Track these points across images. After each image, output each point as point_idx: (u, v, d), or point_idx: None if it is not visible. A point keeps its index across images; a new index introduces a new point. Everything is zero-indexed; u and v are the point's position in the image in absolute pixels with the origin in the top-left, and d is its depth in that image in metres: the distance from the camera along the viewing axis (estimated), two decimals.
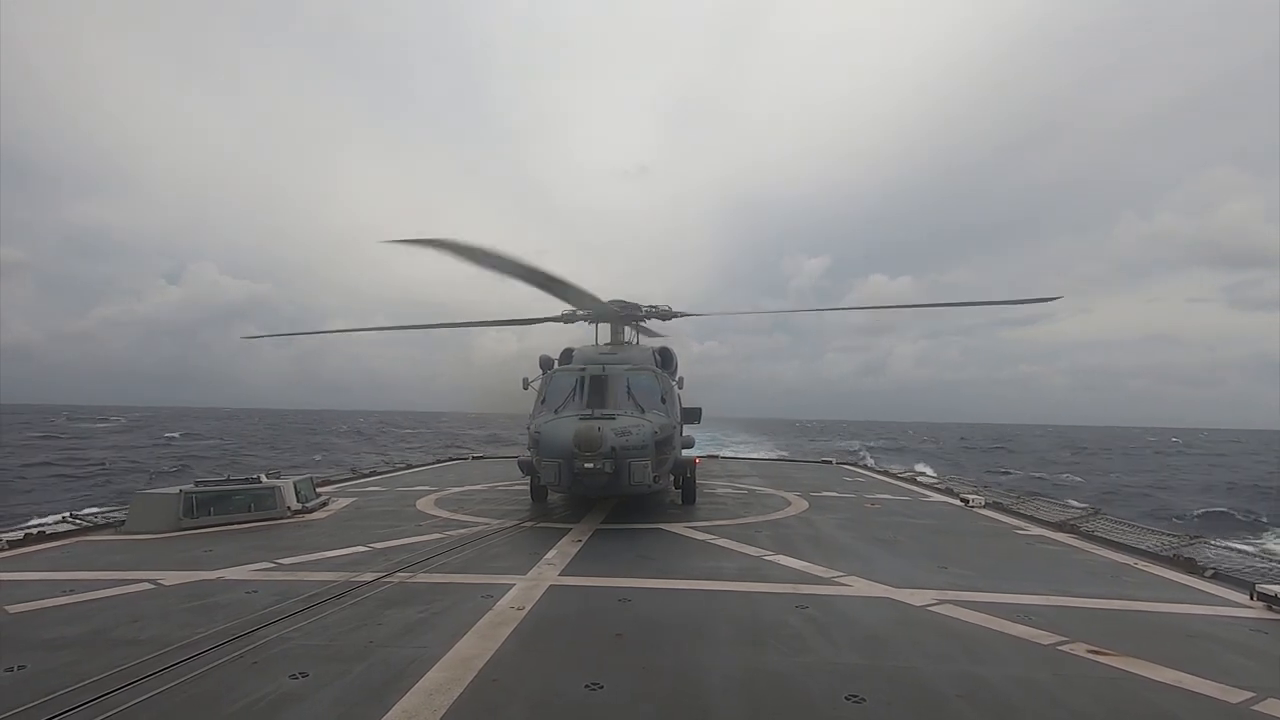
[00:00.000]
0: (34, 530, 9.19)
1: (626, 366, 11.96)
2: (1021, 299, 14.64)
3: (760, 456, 31.12)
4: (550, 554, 8.32)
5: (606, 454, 9.81)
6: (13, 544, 8.54)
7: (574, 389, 11.52)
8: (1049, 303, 13.54)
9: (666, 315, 14.86)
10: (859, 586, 6.98)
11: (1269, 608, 6.39)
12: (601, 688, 4.37)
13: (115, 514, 10.47)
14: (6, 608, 5.99)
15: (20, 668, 4.65)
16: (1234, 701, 4.30)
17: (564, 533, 9.74)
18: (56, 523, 9.86)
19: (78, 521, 9.98)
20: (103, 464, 40.16)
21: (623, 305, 14.15)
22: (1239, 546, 8.90)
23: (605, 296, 14.07)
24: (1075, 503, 13.60)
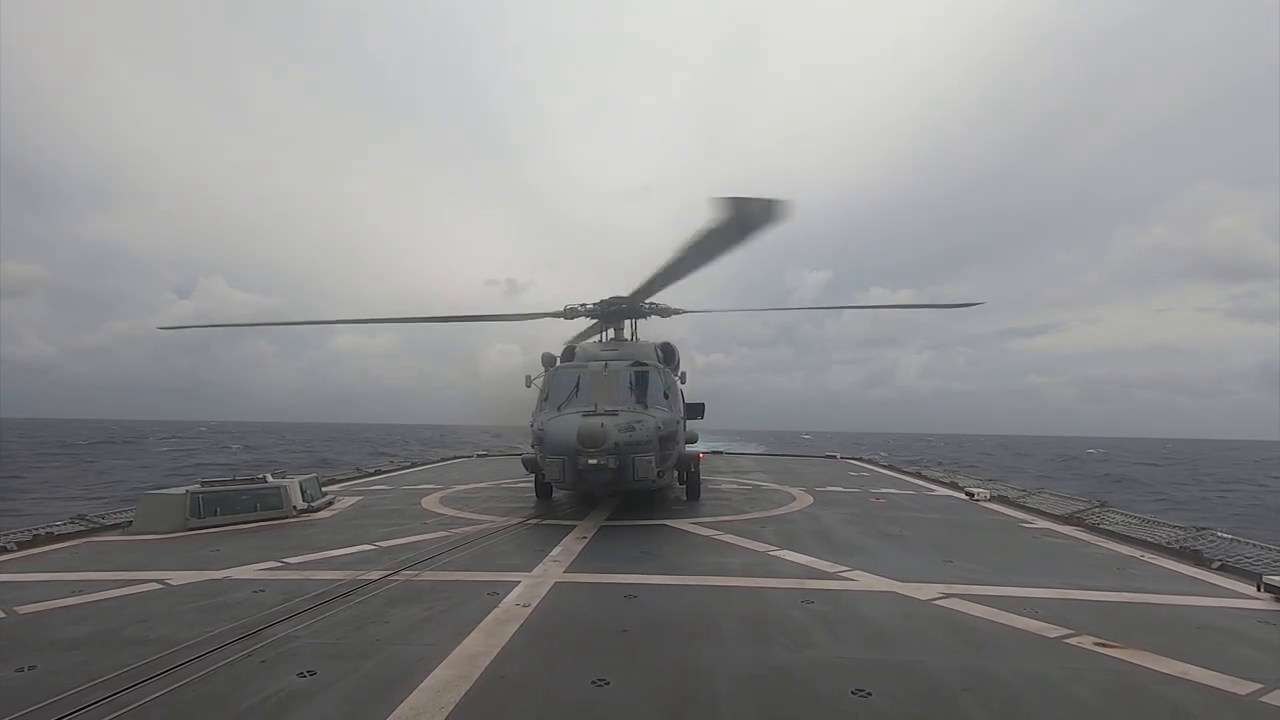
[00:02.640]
0: (42, 531, 9.25)
1: (629, 362, 11.96)
2: (944, 303, 15.83)
3: (764, 452, 31.10)
4: (555, 551, 8.33)
5: (610, 450, 9.81)
6: (21, 545, 8.60)
7: (577, 385, 11.53)
8: (972, 307, 14.40)
9: (667, 312, 14.85)
10: (865, 581, 6.97)
11: (1276, 599, 6.36)
12: (608, 684, 4.37)
13: (123, 514, 10.53)
14: (16, 609, 6.03)
15: (31, 668, 4.68)
16: (1242, 693, 4.28)
17: (569, 530, 9.75)
18: (65, 524, 9.92)
19: (86, 522, 10.04)
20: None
21: (623, 301, 14.15)
22: (1246, 538, 8.86)
23: (606, 293, 14.06)
24: (1080, 496, 13.54)
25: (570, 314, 14.35)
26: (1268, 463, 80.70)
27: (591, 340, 14.47)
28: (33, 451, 58.55)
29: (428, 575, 7.18)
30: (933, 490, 14.62)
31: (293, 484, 11.33)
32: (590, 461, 9.82)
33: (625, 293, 14.16)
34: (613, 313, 14.28)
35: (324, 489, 12.86)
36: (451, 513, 11.35)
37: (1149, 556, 8.26)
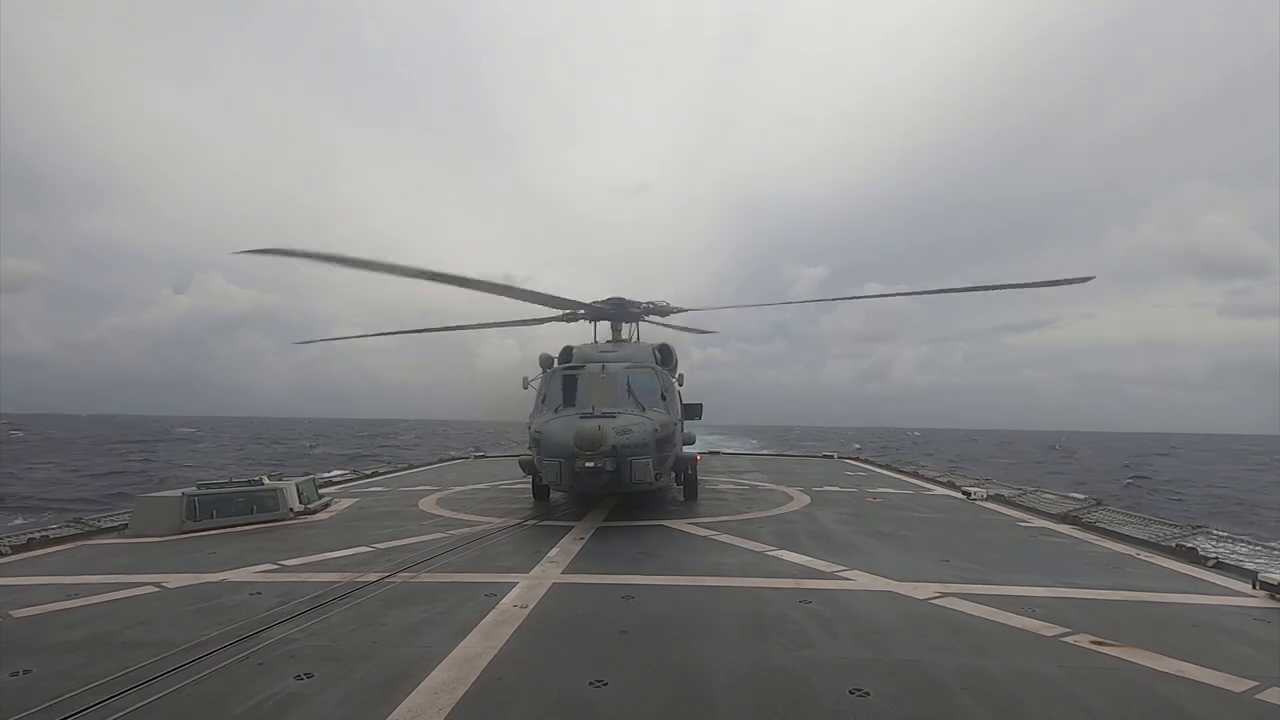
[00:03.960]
0: (37, 534, 9.21)
1: (626, 364, 11.96)
2: (1053, 280, 13.44)
3: (761, 452, 31.12)
4: (553, 552, 8.33)
5: (607, 452, 9.80)
6: (16, 548, 8.55)
7: (574, 387, 11.52)
8: (1082, 283, 12.34)
9: (665, 311, 14.85)
10: (862, 580, 6.99)
11: (1271, 596, 6.39)
12: (606, 685, 4.37)
13: (118, 517, 10.49)
14: (11, 612, 6.01)
15: (26, 672, 4.66)
16: (1237, 691, 4.30)
17: (566, 531, 9.75)
18: (60, 527, 9.88)
19: (81, 525, 10.00)
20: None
21: (621, 302, 14.14)
22: (1242, 536, 8.90)
23: (604, 295, 14.06)
24: (1077, 495, 13.59)
25: (568, 315, 14.34)
26: (1187, 455, 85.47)
27: (589, 341, 14.46)
28: (99, 445, 63.00)
29: (425, 577, 7.17)
30: (930, 490, 14.64)
31: (289, 486, 11.29)
32: (587, 464, 9.81)
33: (623, 293, 14.15)
34: (611, 314, 14.27)
35: (320, 491, 12.83)
36: (449, 514, 11.33)
37: (1145, 555, 8.29)
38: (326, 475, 16.98)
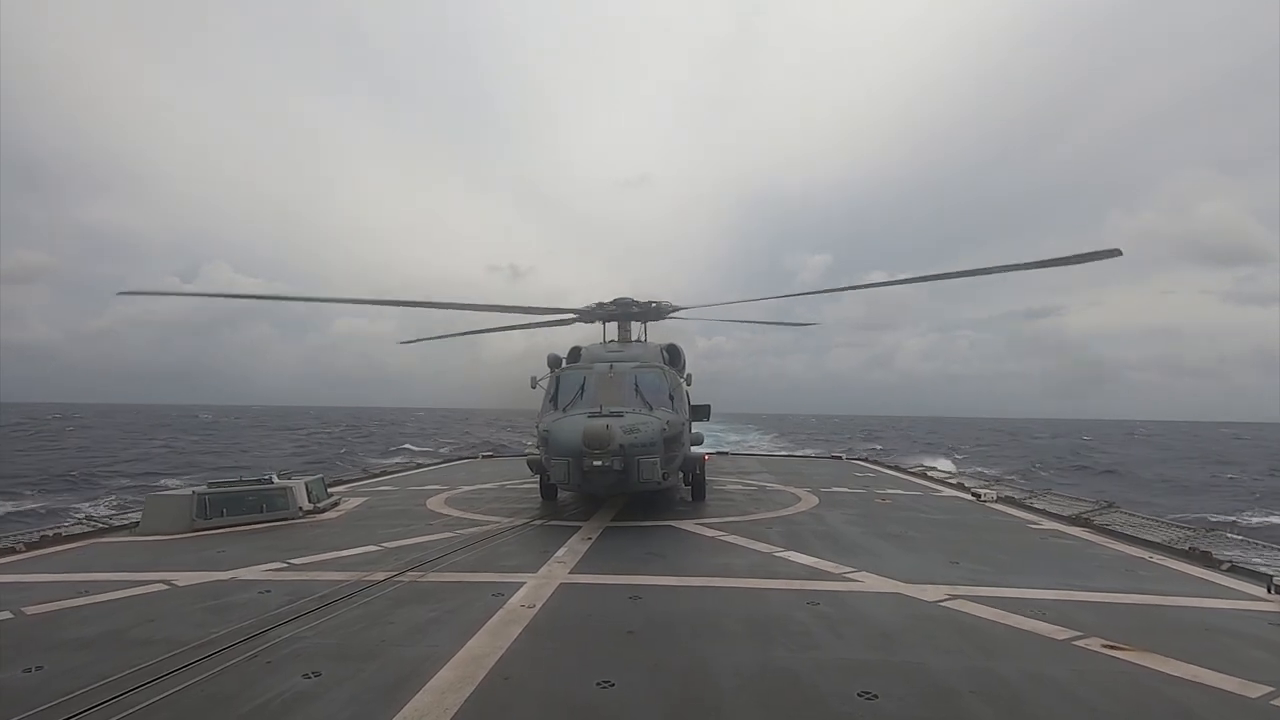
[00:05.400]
0: (50, 532, 9.32)
1: (634, 364, 11.95)
2: (1078, 255, 12.74)
3: (769, 452, 31.05)
4: (560, 552, 8.33)
5: (615, 452, 9.79)
6: (30, 546, 8.66)
7: (582, 387, 11.52)
8: (1110, 258, 11.80)
9: (667, 313, 14.81)
10: (870, 582, 6.95)
11: None
12: (613, 685, 4.37)
13: (130, 515, 10.59)
14: (24, 609, 6.08)
15: (38, 668, 4.71)
16: (1252, 696, 4.24)
17: (574, 531, 9.75)
18: (72, 524, 9.99)
19: (93, 523, 10.11)
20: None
21: (628, 303, 14.13)
22: (1257, 539, 8.79)
23: (610, 295, 14.06)
24: (1087, 497, 13.46)
25: (577, 315, 14.35)
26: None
27: (597, 342, 14.46)
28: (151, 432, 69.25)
29: (433, 576, 7.19)
30: (939, 491, 14.55)
31: (299, 485, 11.35)
32: (595, 463, 9.80)
33: (630, 292, 14.14)
34: (618, 314, 14.26)
35: (330, 490, 12.90)
36: (457, 514, 11.36)
37: (1157, 558, 8.20)
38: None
